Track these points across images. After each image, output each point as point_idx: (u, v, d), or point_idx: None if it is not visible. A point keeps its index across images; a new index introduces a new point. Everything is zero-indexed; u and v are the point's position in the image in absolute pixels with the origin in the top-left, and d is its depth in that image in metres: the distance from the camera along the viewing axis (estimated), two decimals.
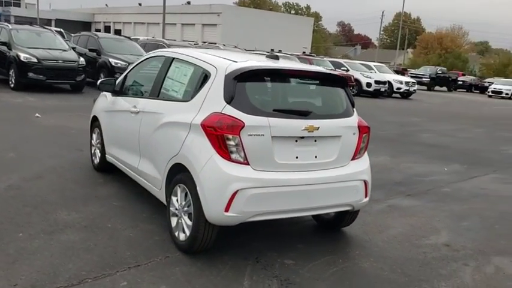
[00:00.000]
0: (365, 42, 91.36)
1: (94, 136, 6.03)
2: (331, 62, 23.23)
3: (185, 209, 3.84)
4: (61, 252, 3.68)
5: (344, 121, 4.07)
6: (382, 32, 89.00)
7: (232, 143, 3.55)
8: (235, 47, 20.52)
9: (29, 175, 5.53)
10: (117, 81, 5.35)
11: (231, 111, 3.61)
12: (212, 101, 3.74)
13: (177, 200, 3.96)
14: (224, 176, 3.53)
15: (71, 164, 6.17)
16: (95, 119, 5.98)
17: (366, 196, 4.21)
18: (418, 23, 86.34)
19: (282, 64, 4.18)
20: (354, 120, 4.15)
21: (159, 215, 4.58)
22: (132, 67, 5.37)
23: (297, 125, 3.76)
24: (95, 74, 14.42)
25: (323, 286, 3.56)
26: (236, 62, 3.86)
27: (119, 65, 14.34)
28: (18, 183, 5.22)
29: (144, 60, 5.19)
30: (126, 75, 5.36)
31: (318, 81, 4.17)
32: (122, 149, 5.12)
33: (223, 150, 3.56)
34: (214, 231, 3.73)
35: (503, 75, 53.11)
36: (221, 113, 3.63)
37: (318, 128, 3.82)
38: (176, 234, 3.95)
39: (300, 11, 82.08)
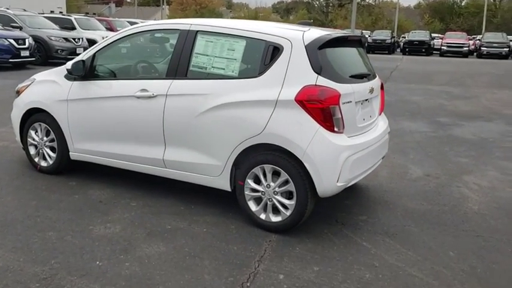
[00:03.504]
0: (118, 0, 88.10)
1: (34, 134, 4.92)
2: (129, 22, 22.22)
3: (277, 189, 3.68)
4: (186, 275, 3.18)
5: (377, 80, 4.42)
6: None
7: (334, 113, 3.56)
8: None
9: None
10: (84, 64, 4.45)
11: (325, 82, 3.58)
12: (297, 73, 3.61)
13: (255, 183, 3.77)
14: (334, 148, 3.54)
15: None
16: (31, 112, 4.88)
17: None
18: None
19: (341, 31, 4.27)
20: (378, 78, 4.53)
21: (195, 205, 4.24)
22: (103, 45, 4.50)
23: (366, 88, 3.99)
24: None
25: (419, 232, 3.96)
26: (304, 31, 3.76)
27: None
28: None
29: (126, 36, 4.42)
30: (94, 55, 4.49)
31: (360, 45, 4.37)
32: (116, 142, 4.38)
33: (328, 122, 3.54)
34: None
35: None
36: (316, 85, 3.56)
37: (373, 89, 4.10)
38: (263, 217, 3.78)
39: None
